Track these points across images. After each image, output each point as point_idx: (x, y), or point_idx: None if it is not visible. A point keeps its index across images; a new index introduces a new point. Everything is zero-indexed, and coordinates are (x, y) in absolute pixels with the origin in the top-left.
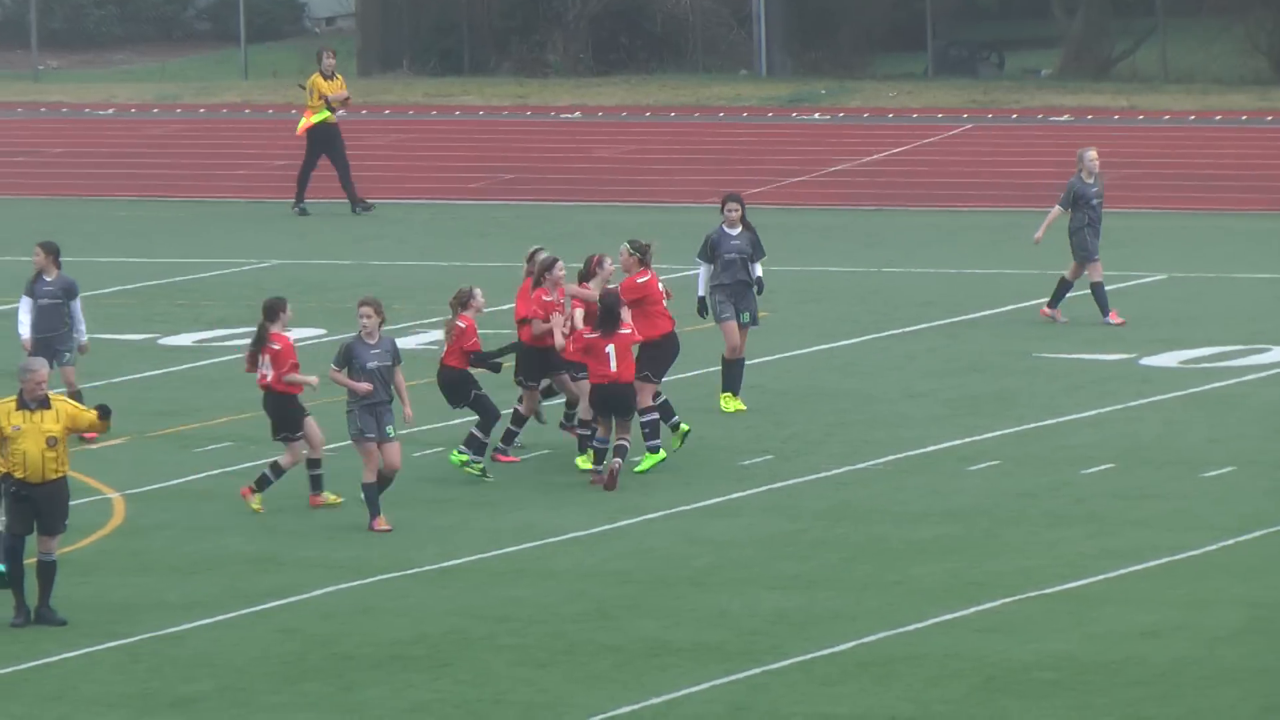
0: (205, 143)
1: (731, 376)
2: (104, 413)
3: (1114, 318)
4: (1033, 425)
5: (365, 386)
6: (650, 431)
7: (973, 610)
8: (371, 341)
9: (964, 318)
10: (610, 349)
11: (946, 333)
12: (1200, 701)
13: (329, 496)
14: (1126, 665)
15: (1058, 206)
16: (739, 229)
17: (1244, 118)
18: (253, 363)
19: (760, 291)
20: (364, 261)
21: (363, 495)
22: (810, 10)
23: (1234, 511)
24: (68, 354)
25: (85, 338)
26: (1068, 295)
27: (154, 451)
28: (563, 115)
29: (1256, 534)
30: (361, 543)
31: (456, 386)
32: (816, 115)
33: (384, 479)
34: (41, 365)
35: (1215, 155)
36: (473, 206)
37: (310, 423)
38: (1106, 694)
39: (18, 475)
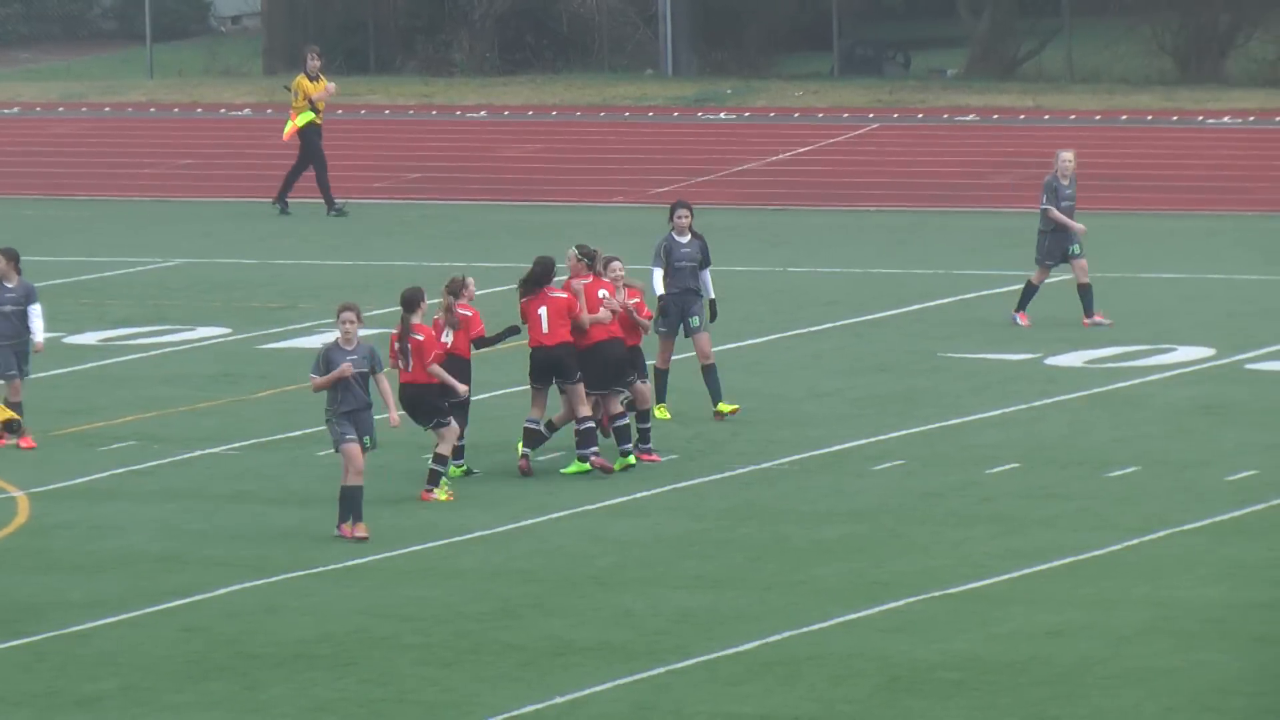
0: (110, 141)
1: (661, 386)
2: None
3: (1022, 319)
4: (938, 425)
5: (346, 368)
6: (581, 440)
7: (877, 610)
8: (349, 347)
9: (870, 317)
10: (543, 312)
11: (852, 332)
12: (1105, 701)
13: (439, 494)
14: (1031, 665)
15: (1044, 205)
16: (688, 236)
17: (1149, 117)
18: (399, 356)
19: (714, 311)
20: (269, 261)
21: (339, 498)
22: (716, 10)
23: (1138, 511)
24: (27, 366)
25: (41, 337)
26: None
27: (58, 450)
28: (469, 115)
29: (1160, 534)
30: (266, 542)
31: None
32: (722, 115)
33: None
34: None
35: (1121, 155)
36: (378, 206)
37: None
38: (1011, 694)
39: None
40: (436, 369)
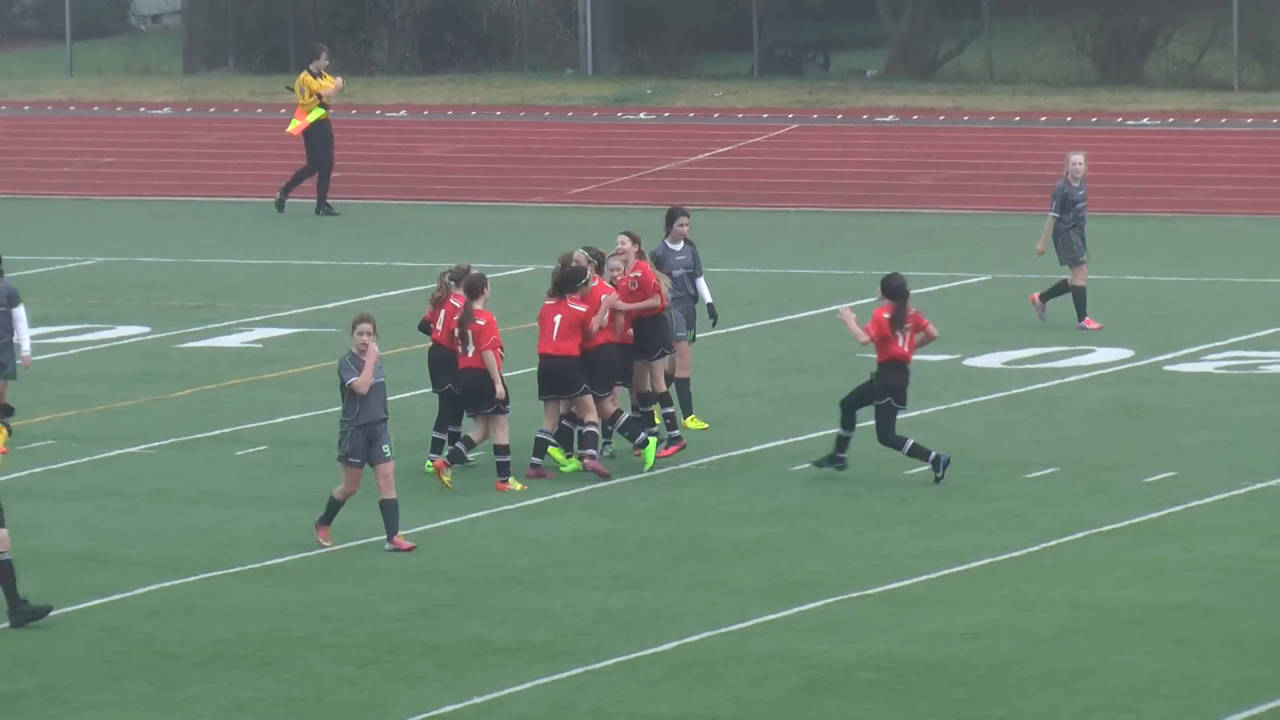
0: (30, 139)
1: (685, 397)
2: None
3: (1089, 324)
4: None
5: (364, 377)
6: (582, 441)
7: (795, 610)
8: (366, 358)
9: (788, 317)
10: (557, 320)
11: (771, 333)
12: (1023, 702)
13: (514, 484)
14: (949, 666)
15: (1052, 214)
16: (681, 244)
17: (1069, 119)
18: (460, 341)
19: (714, 315)
20: (188, 260)
21: (327, 504)
22: (636, 10)
23: (1057, 512)
24: (8, 366)
25: (28, 347)
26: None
27: None
28: (388, 114)
29: (1079, 535)
30: (184, 541)
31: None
32: (642, 115)
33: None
34: None
35: (1040, 156)
36: (298, 205)
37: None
38: (928, 695)
39: None
40: (489, 358)
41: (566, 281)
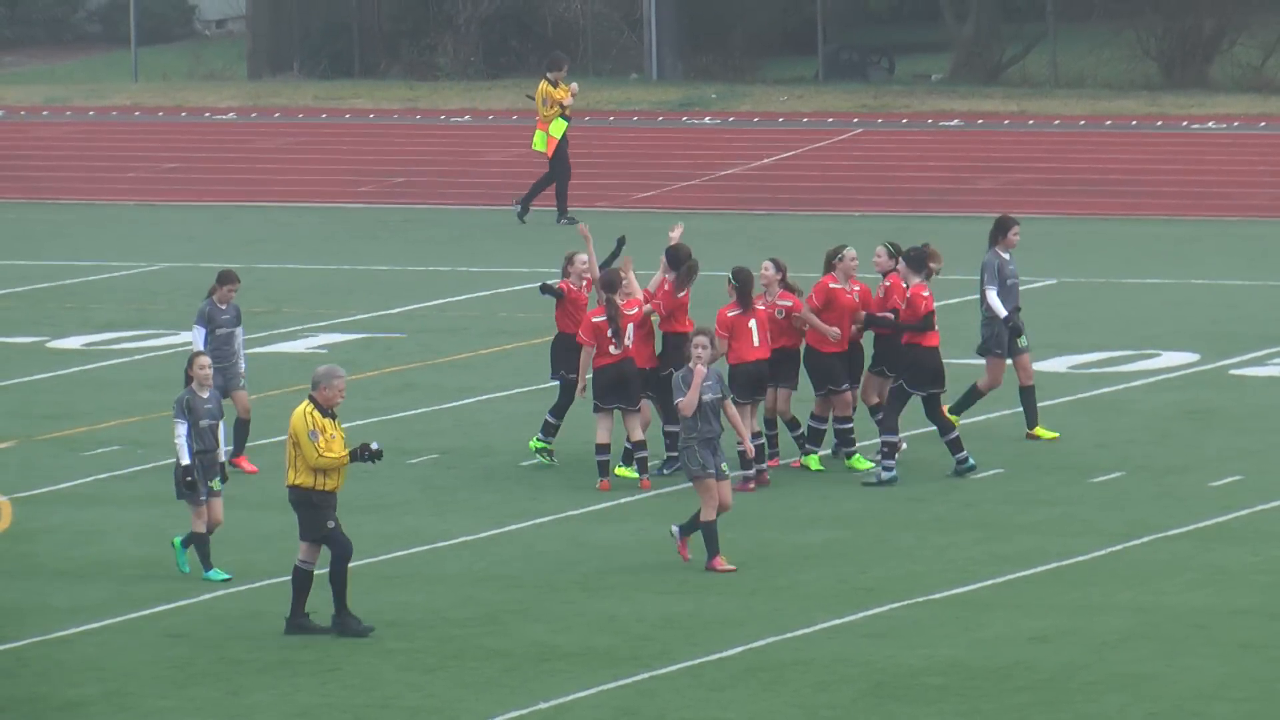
0: (95, 145)
1: (1031, 406)
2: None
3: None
4: (923, 430)
5: (690, 398)
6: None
7: (861, 615)
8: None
9: None
10: (752, 324)
11: None
12: (1088, 707)
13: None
14: (1014, 670)
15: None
16: (1010, 254)
17: (1134, 122)
18: (613, 339)
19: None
20: (253, 265)
21: (702, 533)
22: (701, 14)
23: (1122, 517)
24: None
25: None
26: None
27: (42, 455)
28: (453, 119)
29: (1144, 539)
30: (249, 546)
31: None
32: (707, 119)
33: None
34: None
35: (1105, 160)
36: (363, 210)
37: (645, 404)
38: (994, 699)
39: None
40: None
41: (747, 290)
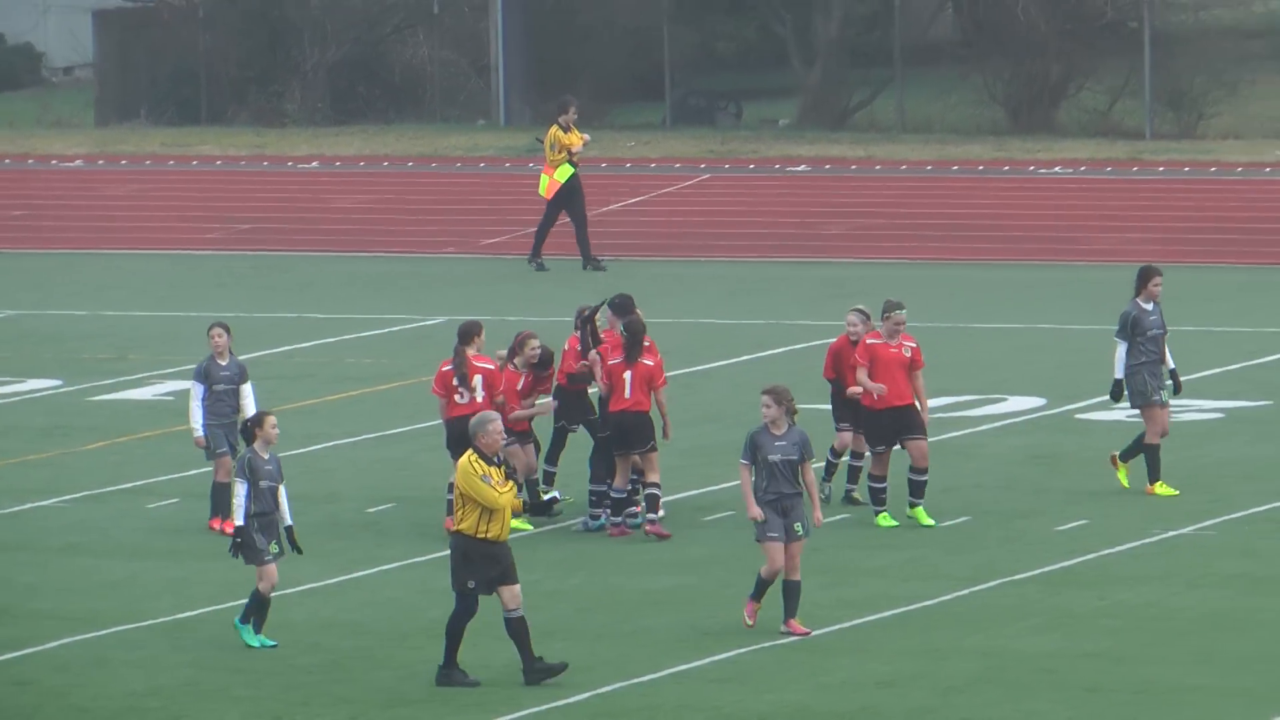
0: None
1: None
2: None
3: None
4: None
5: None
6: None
7: (707, 661)
8: (778, 432)
9: (701, 368)
10: (627, 376)
11: (682, 383)
12: None
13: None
14: (861, 715)
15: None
16: (1153, 304)
17: (980, 167)
18: (463, 386)
19: (1177, 383)
20: (100, 312)
21: (756, 583)
22: (549, 60)
23: (968, 561)
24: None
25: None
26: None
27: None
28: (300, 165)
29: (991, 584)
30: (95, 594)
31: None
32: None
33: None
34: None
35: (952, 205)
36: (210, 256)
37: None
38: None
39: None
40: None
41: (637, 340)
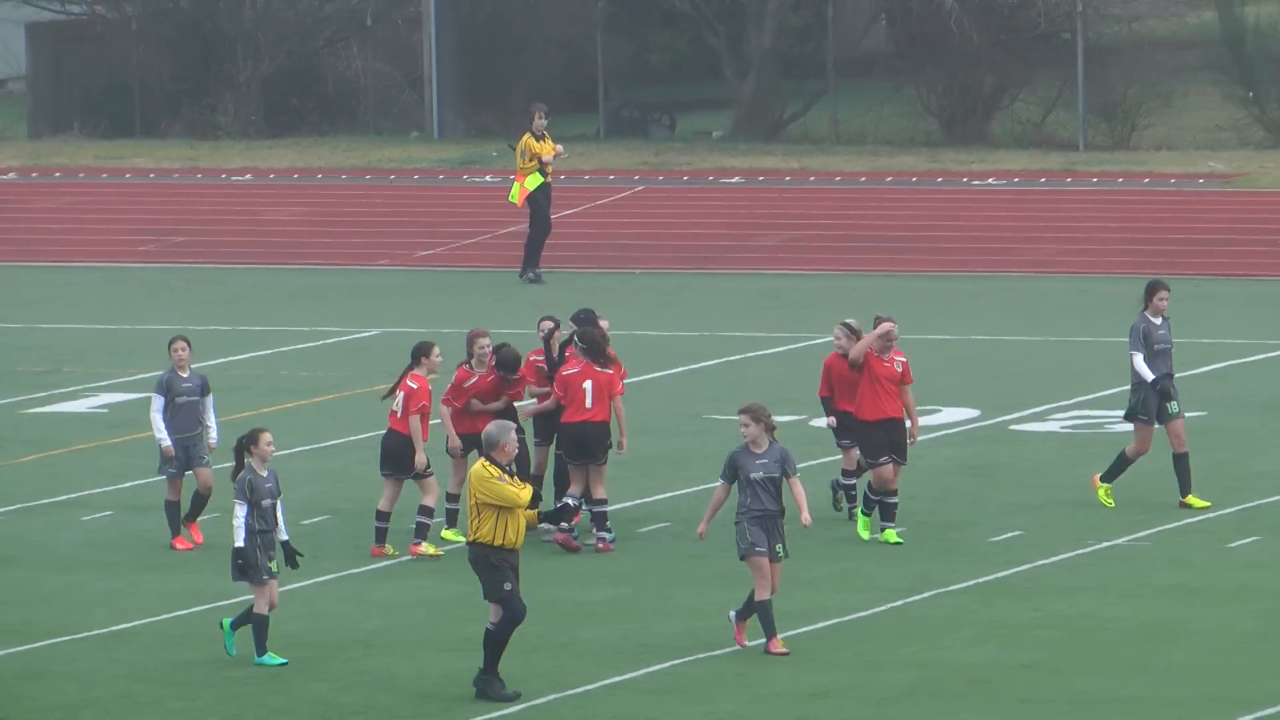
0: None
1: (1184, 471)
2: None
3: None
4: (704, 486)
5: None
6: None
7: (643, 672)
8: (759, 450)
9: (635, 380)
10: (588, 385)
11: None
12: None
13: (428, 547)
14: None
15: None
16: (1161, 319)
17: (914, 179)
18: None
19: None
20: (34, 325)
21: (756, 613)
22: (482, 73)
23: (903, 573)
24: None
25: (215, 436)
26: None
27: None
28: (234, 177)
29: (925, 595)
30: (30, 606)
31: None
32: (488, 177)
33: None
34: None
35: (886, 216)
36: (144, 269)
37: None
38: None
39: None
40: (414, 423)
41: (598, 349)
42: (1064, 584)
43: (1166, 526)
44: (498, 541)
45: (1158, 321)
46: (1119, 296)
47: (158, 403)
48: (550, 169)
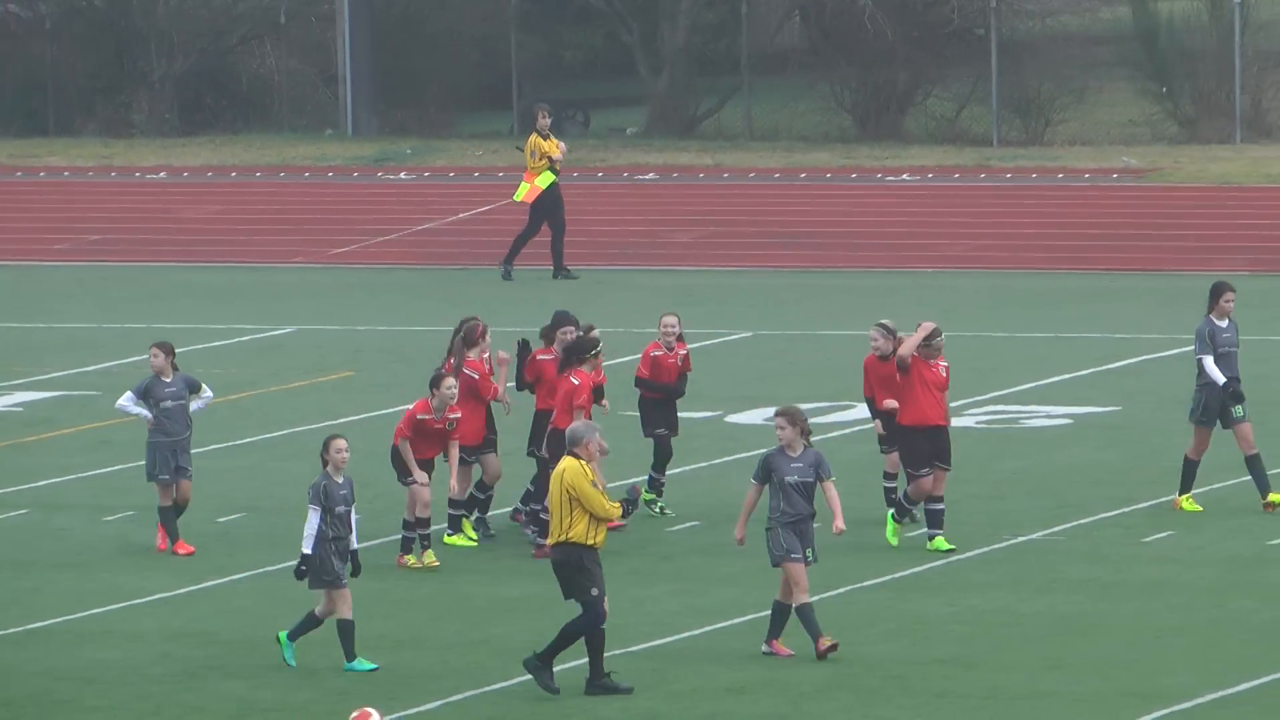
0: None
1: (1259, 473)
2: None
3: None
4: (617, 484)
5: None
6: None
7: (559, 669)
8: (794, 454)
9: None
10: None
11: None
12: None
13: (410, 560)
14: None
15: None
16: (1227, 320)
17: (828, 175)
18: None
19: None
20: None
21: (775, 614)
22: (397, 70)
23: (818, 568)
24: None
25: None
26: None
27: None
28: (148, 176)
29: (840, 591)
30: None
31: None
32: (403, 175)
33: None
34: None
35: (800, 212)
36: (59, 267)
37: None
38: None
39: None
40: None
41: (577, 349)
42: (979, 579)
43: (1081, 521)
44: (590, 541)
45: (1223, 324)
46: (1035, 292)
47: (126, 395)
48: (560, 166)
